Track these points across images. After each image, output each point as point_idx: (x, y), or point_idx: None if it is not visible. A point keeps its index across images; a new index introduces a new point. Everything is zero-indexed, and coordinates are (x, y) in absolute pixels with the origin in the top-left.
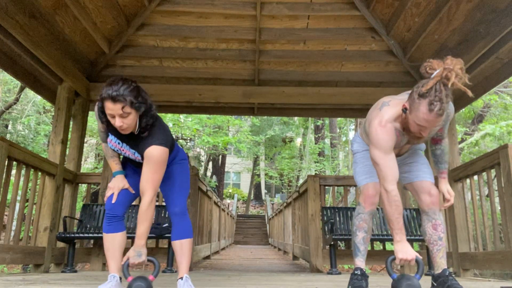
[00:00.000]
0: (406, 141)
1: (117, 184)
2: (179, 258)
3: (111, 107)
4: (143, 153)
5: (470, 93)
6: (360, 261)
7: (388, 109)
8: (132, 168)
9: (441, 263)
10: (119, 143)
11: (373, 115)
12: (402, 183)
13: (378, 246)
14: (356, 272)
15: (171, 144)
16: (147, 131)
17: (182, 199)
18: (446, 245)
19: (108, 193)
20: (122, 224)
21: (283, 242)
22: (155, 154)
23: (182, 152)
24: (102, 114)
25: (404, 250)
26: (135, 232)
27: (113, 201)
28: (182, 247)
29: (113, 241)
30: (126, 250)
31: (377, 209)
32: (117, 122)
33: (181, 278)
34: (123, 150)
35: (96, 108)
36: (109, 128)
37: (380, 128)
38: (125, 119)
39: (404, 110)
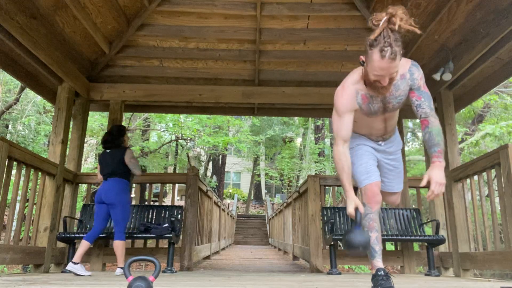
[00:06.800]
0: (380, 104)
1: None
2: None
3: None
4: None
5: (418, 31)
6: (378, 262)
7: (350, 75)
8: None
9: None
10: None
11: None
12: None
13: None
14: (379, 273)
15: None
16: None
17: (123, 227)
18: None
19: None
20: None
21: (283, 242)
22: None
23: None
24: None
25: (351, 202)
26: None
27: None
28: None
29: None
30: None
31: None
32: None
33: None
34: None
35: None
36: None
37: (340, 90)
38: None
39: (362, 62)
